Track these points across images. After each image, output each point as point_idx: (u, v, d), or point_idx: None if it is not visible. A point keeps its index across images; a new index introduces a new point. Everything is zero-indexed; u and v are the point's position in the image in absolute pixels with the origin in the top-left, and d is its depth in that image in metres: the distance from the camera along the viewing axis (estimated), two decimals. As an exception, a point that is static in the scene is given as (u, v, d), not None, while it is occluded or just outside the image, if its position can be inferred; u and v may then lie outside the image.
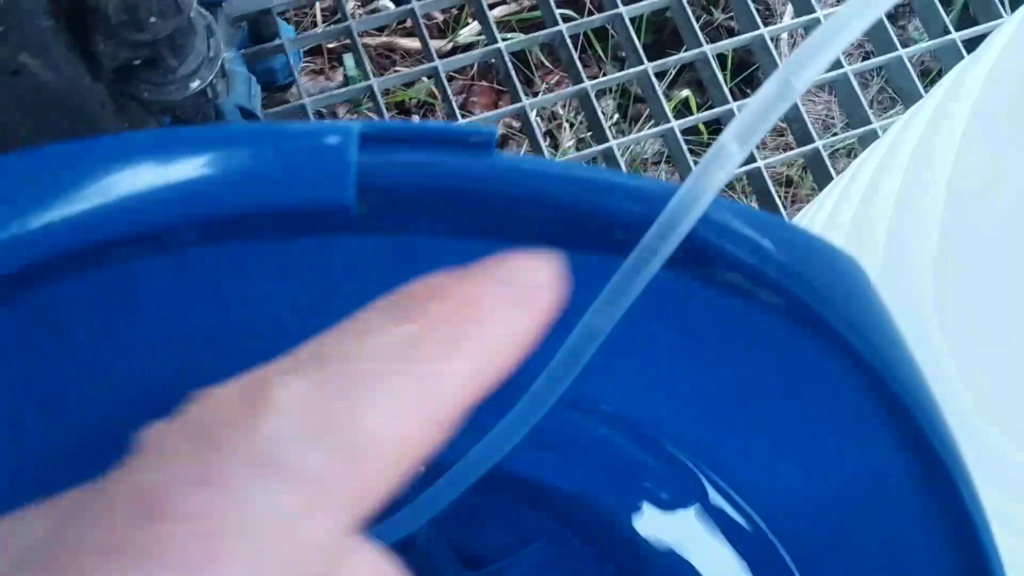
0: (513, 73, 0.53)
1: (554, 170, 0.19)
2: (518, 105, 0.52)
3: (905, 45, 0.57)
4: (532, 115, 0.52)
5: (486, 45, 0.55)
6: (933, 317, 0.28)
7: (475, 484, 0.40)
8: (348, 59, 0.87)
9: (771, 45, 0.57)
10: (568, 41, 0.54)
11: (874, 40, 0.60)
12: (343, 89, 0.60)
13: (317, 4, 0.87)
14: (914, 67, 0.57)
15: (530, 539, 0.40)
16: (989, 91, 0.27)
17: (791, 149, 0.57)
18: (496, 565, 0.38)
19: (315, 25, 0.89)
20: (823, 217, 0.40)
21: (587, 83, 0.53)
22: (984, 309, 0.27)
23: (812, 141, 0.56)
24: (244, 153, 0.17)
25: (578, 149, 0.71)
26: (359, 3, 0.88)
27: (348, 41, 0.95)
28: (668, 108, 0.54)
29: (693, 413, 0.30)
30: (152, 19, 0.38)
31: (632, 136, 0.54)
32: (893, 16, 0.85)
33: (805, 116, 0.56)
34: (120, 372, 0.24)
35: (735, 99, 0.55)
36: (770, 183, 0.54)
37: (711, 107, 0.56)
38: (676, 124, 0.53)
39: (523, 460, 0.39)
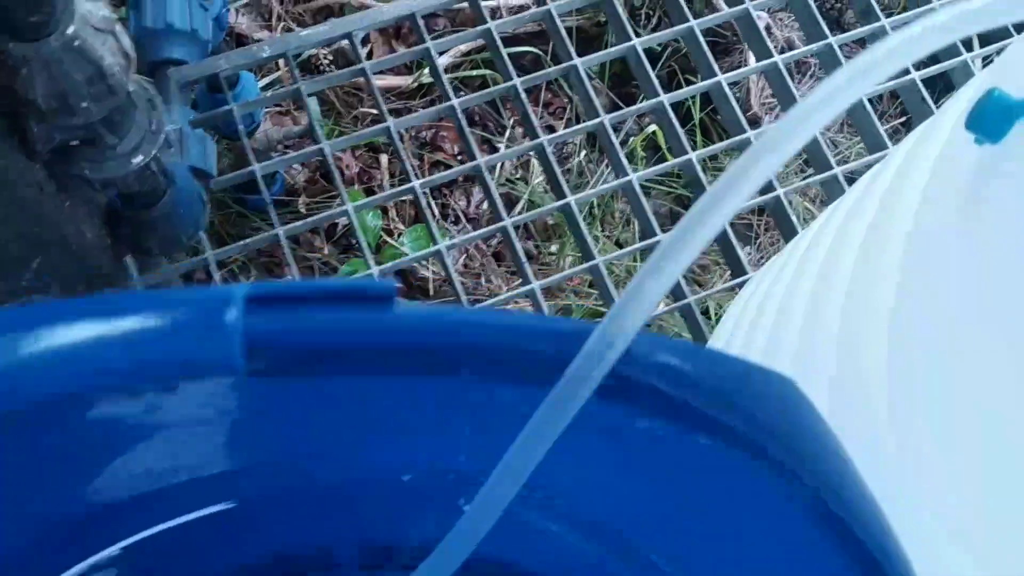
0: (468, 131, 0.52)
1: (462, 318, 0.18)
2: (472, 164, 0.51)
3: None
4: (486, 176, 0.51)
5: (441, 101, 0.54)
6: (886, 426, 0.27)
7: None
8: (312, 102, 0.86)
9: (728, 91, 0.56)
10: (523, 95, 0.53)
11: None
12: (304, 150, 0.58)
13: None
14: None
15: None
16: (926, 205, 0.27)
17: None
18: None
19: (278, 68, 0.88)
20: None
21: (543, 138, 0.52)
22: (937, 415, 0.26)
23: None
24: (130, 325, 0.16)
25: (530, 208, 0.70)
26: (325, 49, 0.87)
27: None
28: (624, 158, 0.53)
29: (656, 529, 0.29)
30: (84, 104, 0.37)
31: (588, 192, 0.53)
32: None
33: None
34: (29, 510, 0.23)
35: (695, 147, 0.55)
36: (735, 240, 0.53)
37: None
38: (634, 176, 0.53)
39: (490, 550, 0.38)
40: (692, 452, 0.22)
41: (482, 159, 0.51)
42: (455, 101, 0.52)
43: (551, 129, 0.79)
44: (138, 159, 0.43)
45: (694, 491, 0.25)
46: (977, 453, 0.25)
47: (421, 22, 0.54)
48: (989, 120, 0.23)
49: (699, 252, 0.17)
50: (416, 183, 0.52)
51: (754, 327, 0.37)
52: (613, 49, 0.57)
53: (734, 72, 0.57)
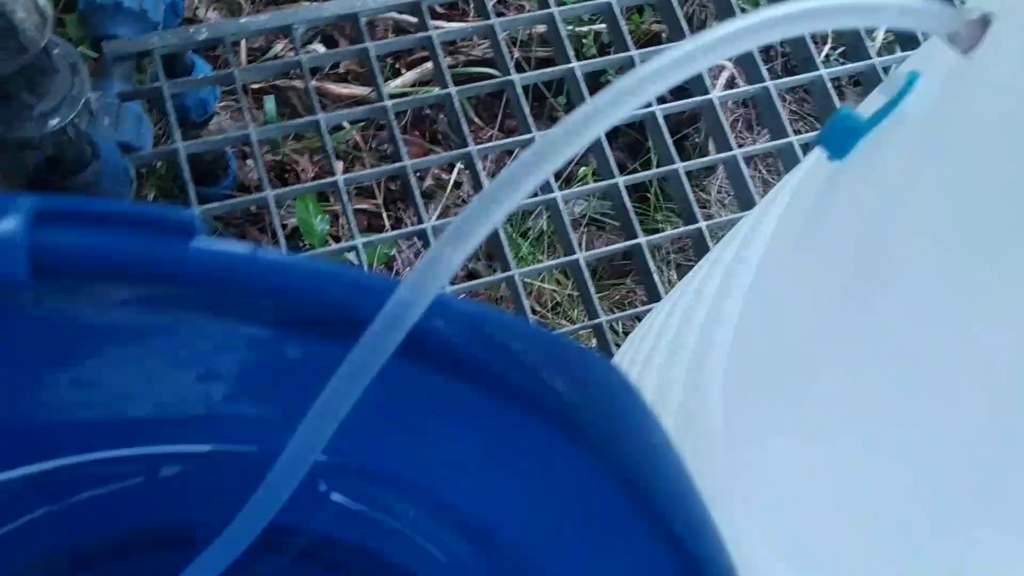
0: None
1: (260, 259, 0.18)
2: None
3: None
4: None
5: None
6: (721, 447, 0.27)
7: (310, 551, 0.39)
8: (269, 101, 0.87)
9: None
10: (457, 106, 0.54)
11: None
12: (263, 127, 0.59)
13: (243, 42, 0.87)
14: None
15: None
16: (778, 233, 0.27)
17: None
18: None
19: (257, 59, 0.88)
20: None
21: (472, 148, 0.53)
22: (768, 428, 0.26)
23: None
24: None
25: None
26: (289, 44, 0.88)
27: (275, 82, 0.94)
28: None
29: (493, 499, 0.29)
30: (-6, 56, 0.37)
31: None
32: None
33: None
34: None
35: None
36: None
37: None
38: (558, 194, 0.53)
39: (352, 536, 0.38)
40: (512, 427, 0.22)
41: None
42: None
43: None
44: (55, 121, 0.43)
45: (517, 466, 0.25)
46: (803, 468, 0.25)
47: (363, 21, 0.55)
48: (836, 137, 0.23)
49: (488, 231, 0.18)
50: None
51: (646, 355, 0.37)
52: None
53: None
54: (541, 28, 0.82)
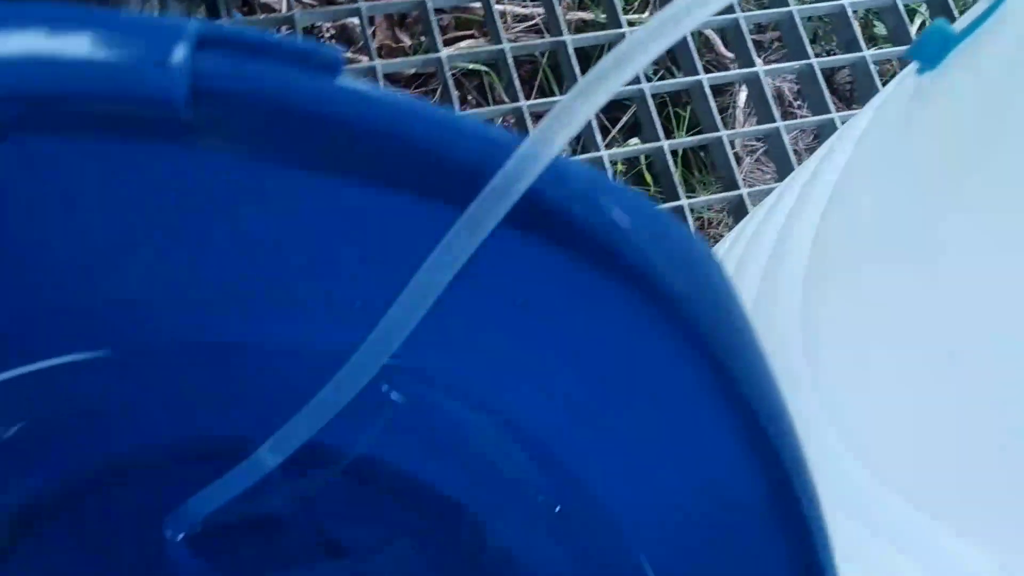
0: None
1: (401, 103, 0.19)
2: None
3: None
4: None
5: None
6: (798, 346, 0.28)
7: (351, 471, 0.40)
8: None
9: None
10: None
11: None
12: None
13: None
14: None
15: (396, 535, 0.39)
16: (864, 143, 0.28)
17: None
18: (357, 556, 0.37)
19: None
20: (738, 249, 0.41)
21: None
22: (849, 343, 0.27)
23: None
24: (71, 34, 0.17)
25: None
26: None
27: None
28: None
29: (558, 407, 0.30)
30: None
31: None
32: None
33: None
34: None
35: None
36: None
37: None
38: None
39: (400, 455, 0.38)
40: (602, 306, 0.23)
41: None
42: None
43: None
44: None
45: (599, 363, 0.26)
46: (884, 374, 0.26)
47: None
48: (929, 48, 0.24)
49: (625, 80, 0.18)
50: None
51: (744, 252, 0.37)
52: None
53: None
54: None
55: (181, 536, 0.33)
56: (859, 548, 0.27)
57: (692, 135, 0.59)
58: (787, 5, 0.62)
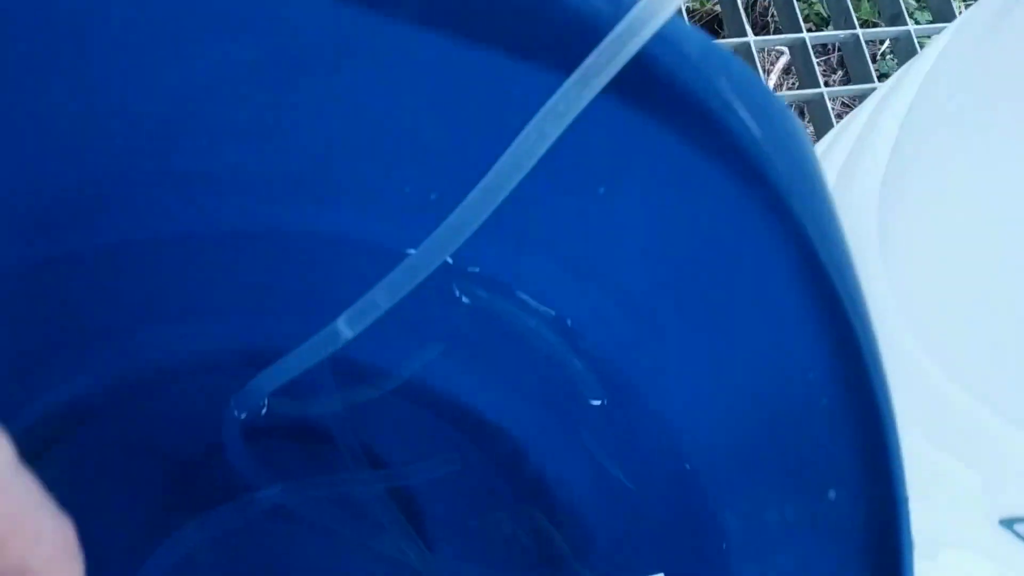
0: None
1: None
2: None
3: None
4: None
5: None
6: (876, 247, 0.28)
7: (401, 392, 0.40)
8: None
9: None
10: None
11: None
12: None
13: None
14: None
15: (437, 452, 0.39)
16: (938, 64, 0.28)
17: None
18: (397, 468, 0.38)
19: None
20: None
21: None
22: (925, 245, 0.27)
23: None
24: None
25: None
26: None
27: None
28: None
29: (621, 308, 0.30)
30: None
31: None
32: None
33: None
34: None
35: None
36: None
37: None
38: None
39: (451, 379, 0.39)
40: (692, 179, 0.23)
41: None
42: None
43: None
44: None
45: (673, 237, 0.26)
46: (958, 277, 0.26)
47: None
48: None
49: None
50: None
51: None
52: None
53: None
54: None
55: (244, 415, 0.33)
56: (923, 453, 0.27)
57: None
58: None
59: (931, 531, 0.30)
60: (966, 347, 0.25)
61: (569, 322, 0.32)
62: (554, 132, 0.21)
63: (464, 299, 0.32)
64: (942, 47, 0.27)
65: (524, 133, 0.21)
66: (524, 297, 0.32)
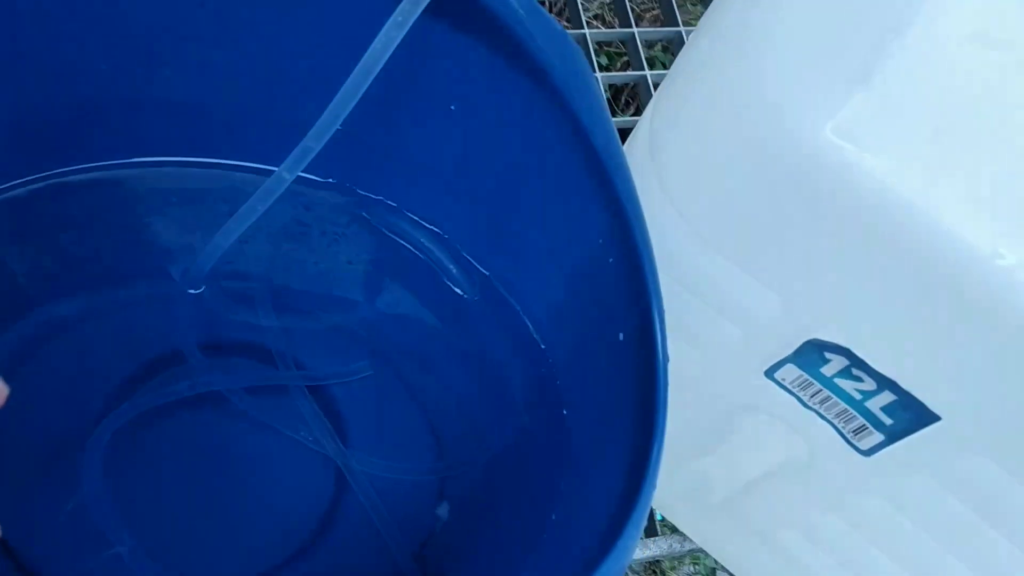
0: None
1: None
2: None
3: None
4: None
5: None
6: (646, 148, 0.37)
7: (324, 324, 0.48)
8: None
9: None
10: None
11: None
12: None
13: None
14: None
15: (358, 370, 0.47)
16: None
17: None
18: (324, 370, 0.46)
19: None
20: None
21: None
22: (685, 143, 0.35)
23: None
24: None
25: None
26: None
27: None
28: None
29: (473, 211, 0.39)
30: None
31: None
32: None
33: None
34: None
35: None
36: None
37: None
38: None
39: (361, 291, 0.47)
40: (508, 90, 0.32)
41: None
42: None
43: None
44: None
45: (501, 141, 0.35)
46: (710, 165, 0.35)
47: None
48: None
49: None
50: None
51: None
52: None
53: None
54: None
55: (202, 289, 0.41)
56: (693, 309, 0.36)
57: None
58: None
59: (709, 379, 0.38)
60: (721, 221, 0.34)
61: (445, 235, 0.41)
62: (397, 37, 0.30)
63: (371, 220, 0.42)
64: None
65: (373, 44, 0.31)
66: (413, 217, 0.42)
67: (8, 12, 0.32)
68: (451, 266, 0.42)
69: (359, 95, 0.32)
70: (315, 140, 0.33)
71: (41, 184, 0.40)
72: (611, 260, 0.34)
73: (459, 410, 0.45)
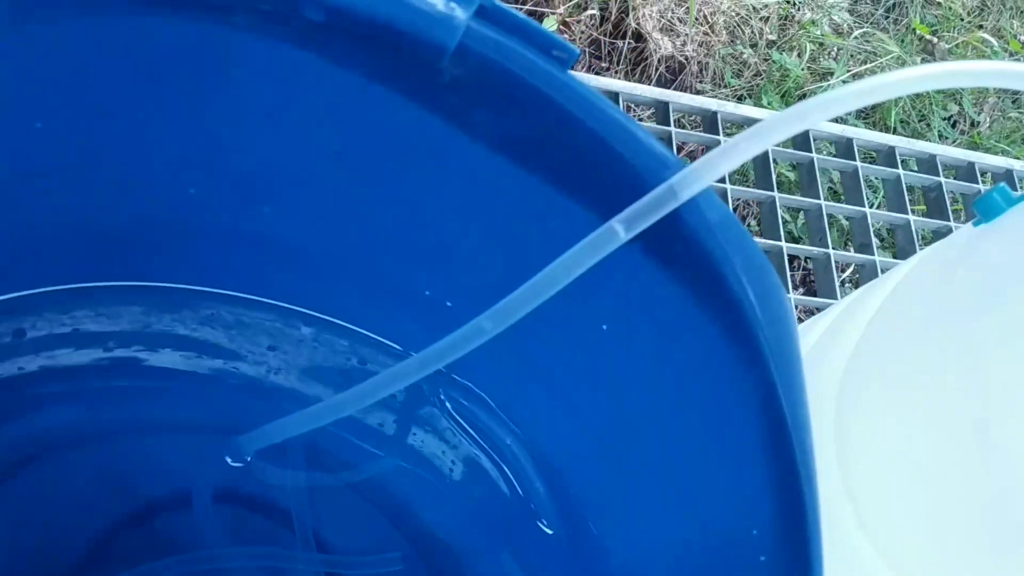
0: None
1: (607, 110, 0.23)
2: None
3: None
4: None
5: None
6: (831, 432, 0.31)
7: (359, 487, 0.41)
8: None
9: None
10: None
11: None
12: None
13: None
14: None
15: (382, 551, 0.41)
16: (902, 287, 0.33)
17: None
18: (346, 557, 0.39)
19: None
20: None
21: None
22: (876, 435, 0.31)
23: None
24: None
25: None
26: None
27: None
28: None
29: (585, 436, 0.32)
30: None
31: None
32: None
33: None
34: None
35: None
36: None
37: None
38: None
39: (409, 489, 0.40)
40: (687, 327, 0.26)
41: None
42: None
43: None
44: None
45: (672, 370, 0.28)
46: (900, 468, 0.29)
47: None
48: (988, 205, 0.29)
49: (766, 147, 0.23)
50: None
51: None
52: None
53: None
54: None
55: (249, 458, 0.34)
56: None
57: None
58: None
59: None
60: (905, 541, 0.29)
61: (540, 445, 0.35)
62: (581, 268, 0.24)
63: (448, 404, 0.35)
64: (904, 274, 0.31)
65: (554, 264, 0.25)
66: (501, 415, 0.35)
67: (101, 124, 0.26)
68: (538, 484, 0.35)
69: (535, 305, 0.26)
70: (464, 343, 0.27)
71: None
72: (763, 559, 0.28)
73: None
